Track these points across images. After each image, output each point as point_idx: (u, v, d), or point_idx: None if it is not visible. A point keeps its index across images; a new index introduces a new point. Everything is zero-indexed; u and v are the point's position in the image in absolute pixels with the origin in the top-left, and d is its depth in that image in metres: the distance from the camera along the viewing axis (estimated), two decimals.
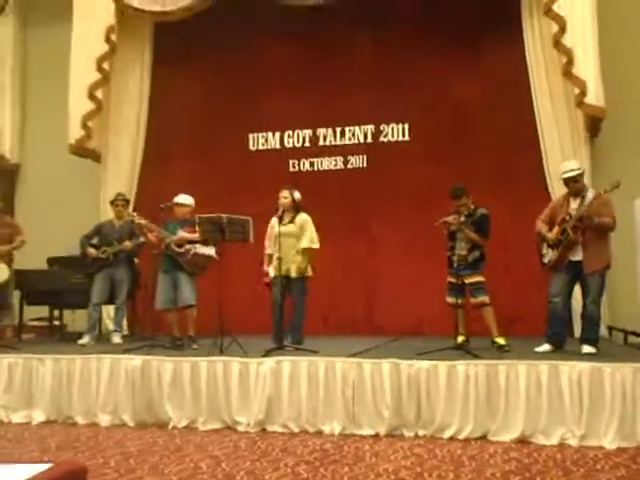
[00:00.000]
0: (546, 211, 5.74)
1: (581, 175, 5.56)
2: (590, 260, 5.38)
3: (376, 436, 4.94)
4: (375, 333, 7.33)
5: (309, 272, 6.08)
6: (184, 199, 6.49)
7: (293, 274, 6.00)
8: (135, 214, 6.48)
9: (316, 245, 6.02)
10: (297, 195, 6.13)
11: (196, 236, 6.26)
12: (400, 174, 7.89)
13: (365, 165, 8.04)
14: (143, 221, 6.39)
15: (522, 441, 4.73)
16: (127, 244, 6.72)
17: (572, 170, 5.55)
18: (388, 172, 7.94)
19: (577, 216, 5.37)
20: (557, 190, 6.76)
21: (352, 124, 8.08)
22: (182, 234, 6.31)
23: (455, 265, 5.75)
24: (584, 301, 5.54)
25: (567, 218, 5.44)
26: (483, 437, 4.83)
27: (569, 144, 7.16)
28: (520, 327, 6.88)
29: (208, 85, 8.44)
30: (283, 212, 6.08)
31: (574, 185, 5.54)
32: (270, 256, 6.17)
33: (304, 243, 5.98)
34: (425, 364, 5.00)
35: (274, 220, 6.19)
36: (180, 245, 6.29)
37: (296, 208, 6.09)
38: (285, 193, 6.13)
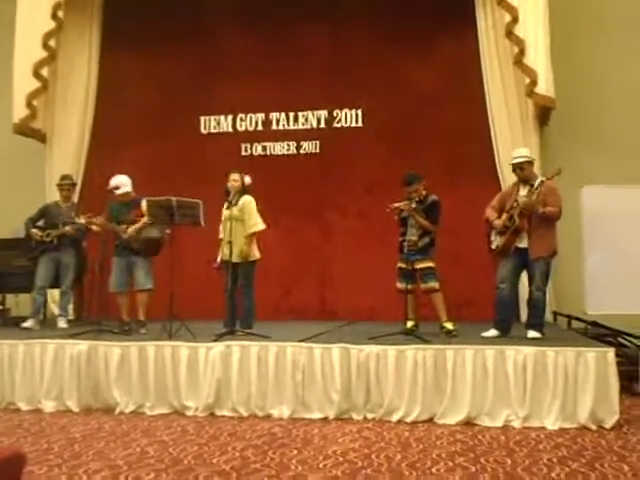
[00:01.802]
0: (496, 198, 5.82)
1: (529, 163, 5.64)
2: (536, 247, 5.46)
3: (325, 419, 4.98)
4: (328, 318, 7.42)
5: (254, 256, 6.06)
6: (118, 182, 6.33)
7: (235, 258, 5.95)
8: (86, 216, 6.26)
9: (258, 227, 5.96)
10: (247, 179, 6.09)
11: (144, 221, 6.17)
12: (353, 160, 7.93)
13: (318, 150, 8.05)
14: (95, 227, 6.26)
15: (468, 423, 4.81)
16: (67, 229, 6.59)
17: (520, 157, 5.63)
18: (341, 158, 7.97)
19: (523, 204, 5.43)
20: (508, 179, 6.83)
21: (305, 109, 8.07)
22: (131, 229, 6.20)
23: (405, 251, 5.78)
24: (530, 287, 5.61)
25: (514, 205, 5.51)
26: (430, 420, 4.89)
27: (519, 133, 7.28)
28: (469, 312, 7.04)
29: (160, 66, 8.30)
30: (233, 195, 6.04)
31: (521, 172, 5.62)
32: (221, 240, 6.16)
33: (248, 228, 5.94)
34: (375, 349, 5.04)
35: (226, 204, 6.19)
36: (131, 235, 6.20)
37: (242, 192, 6.04)
38: (235, 176, 6.08)
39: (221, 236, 6.11)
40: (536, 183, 5.53)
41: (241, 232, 5.99)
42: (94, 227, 6.30)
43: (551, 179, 5.52)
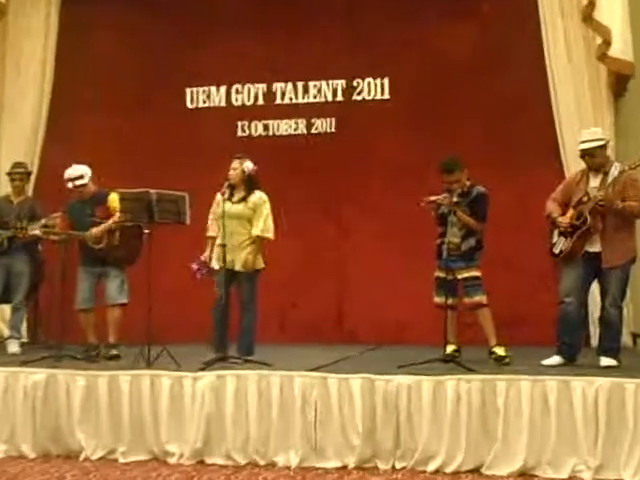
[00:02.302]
0: (559, 189, 5.80)
1: (602, 147, 5.60)
2: (610, 252, 5.42)
3: (343, 469, 4.93)
4: (345, 341, 7.41)
5: (260, 265, 6.04)
6: (77, 172, 6.30)
7: (239, 267, 5.94)
8: (42, 225, 6.26)
9: (270, 235, 6.00)
10: (249, 166, 6.01)
11: (113, 220, 6.15)
12: (377, 142, 7.82)
13: (333, 130, 7.98)
14: (55, 236, 6.26)
15: (524, 474, 4.74)
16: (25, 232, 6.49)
17: (589, 141, 5.58)
18: (362, 139, 7.85)
19: (599, 198, 5.39)
20: (572, 164, 6.78)
21: (318, 78, 8.02)
22: (96, 231, 6.19)
23: (445, 256, 5.75)
24: (603, 302, 5.58)
25: (584, 199, 5.47)
26: (476, 470, 4.83)
27: (588, 107, 7.19)
28: (524, 334, 6.90)
29: (136, 25, 8.21)
30: (232, 188, 6.03)
31: (592, 160, 5.59)
32: (212, 240, 6.11)
33: (256, 230, 5.94)
34: (406, 380, 5.02)
35: (220, 196, 6.08)
36: (98, 241, 6.22)
37: (249, 184, 6.03)
38: (234, 163, 6.06)
39: (210, 234, 6.06)
40: (612, 171, 5.49)
41: (244, 234, 5.97)
42: (52, 237, 6.32)
43: (634, 168, 5.46)
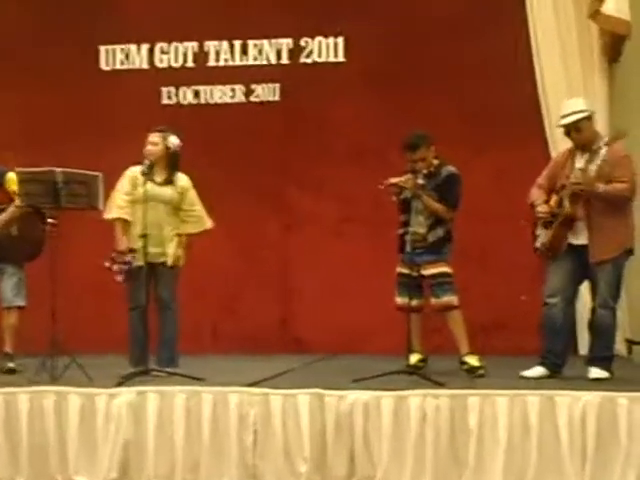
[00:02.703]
0: (544, 173, 5.88)
1: (587, 120, 5.64)
2: (598, 244, 5.49)
3: None
4: (290, 350, 7.47)
5: (182, 260, 6.18)
6: None
7: (163, 261, 5.97)
8: None
9: (208, 224, 6.15)
10: (174, 141, 6.04)
11: (14, 206, 6.09)
12: (330, 113, 7.87)
13: (277, 98, 8.00)
14: None
15: None
16: None
17: (572, 114, 5.62)
18: (312, 109, 7.92)
19: (573, 180, 5.51)
20: (560, 141, 6.67)
21: (259, 36, 8.02)
22: None
23: (409, 249, 5.80)
24: (593, 304, 5.71)
25: (566, 183, 5.57)
26: None
27: (577, 73, 7.25)
28: (502, 340, 7.09)
29: None
30: (151, 166, 5.99)
31: (578, 135, 5.64)
32: (127, 226, 6.06)
33: (196, 225, 6.11)
34: (362, 395, 5.03)
35: (133, 171, 6.09)
36: None
37: (173, 163, 6.10)
38: (155, 137, 6.07)
39: (123, 216, 6.00)
40: (605, 149, 5.52)
41: (170, 223, 6.03)
42: None
43: (611, 144, 5.55)
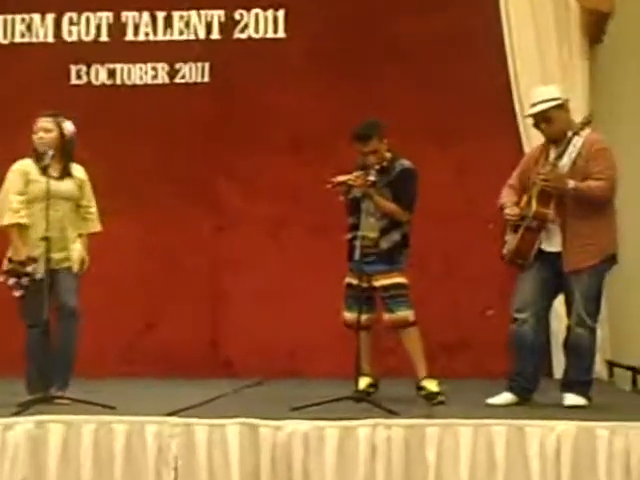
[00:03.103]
0: (516, 172, 6.02)
1: (559, 108, 5.75)
2: (573, 250, 5.59)
3: None
4: (219, 374, 7.53)
5: (87, 264, 6.19)
6: None
7: (65, 266, 5.96)
8: None
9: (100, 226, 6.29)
10: (69, 127, 6.09)
11: None
12: (268, 97, 7.92)
13: (207, 79, 8.06)
14: None
15: None
16: None
17: (542, 102, 5.75)
18: (247, 93, 7.96)
19: (542, 177, 5.63)
20: (535, 135, 6.58)
21: (185, 7, 8.09)
22: None
23: (358, 256, 5.81)
24: (568, 320, 5.79)
25: (536, 180, 5.70)
26: None
27: (553, 55, 7.44)
28: (465, 362, 7.29)
29: None
30: (42, 157, 5.94)
31: (549, 128, 5.76)
32: (23, 231, 5.92)
33: (95, 223, 6.14)
34: (302, 426, 5.03)
35: (23, 165, 6.01)
36: None
37: (67, 152, 6.12)
38: (47, 123, 6.04)
39: (21, 221, 5.87)
40: (575, 141, 5.62)
41: (72, 222, 6.02)
42: None
43: (581, 131, 5.63)
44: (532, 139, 7.04)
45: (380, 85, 7.75)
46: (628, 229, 6.06)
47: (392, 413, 5.22)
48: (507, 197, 5.90)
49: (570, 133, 5.66)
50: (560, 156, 5.65)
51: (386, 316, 6.02)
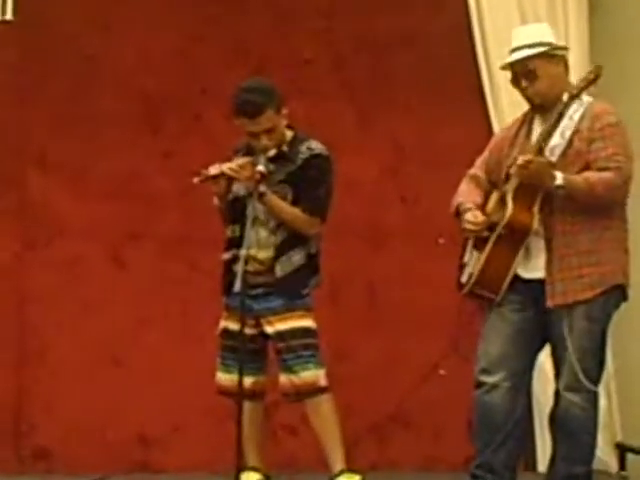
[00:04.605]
0: (482, 157, 5.71)
1: (549, 58, 5.44)
2: (563, 276, 5.25)
3: None
4: (31, 469, 7.31)
5: None
6: None
7: None
8: None
9: None
10: None
11: None
12: (98, 41, 7.62)
13: (10, 16, 7.42)
14: None
15: None
16: None
17: (525, 47, 5.41)
18: (65, 36, 7.60)
19: (520, 165, 5.24)
20: (508, 108, 6.76)
21: None
22: None
23: (239, 287, 5.43)
24: (556, 383, 5.41)
25: (510, 172, 5.34)
26: None
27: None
28: (402, 446, 6.99)
29: None
30: None
31: (531, 86, 5.37)
32: None
33: None
34: None
35: None
36: None
37: None
38: None
39: None
40: (571, 112, 5.35)
41: None
42: None
43: (582, 91, 5.33)
44: (504, 112, 7.05)
45: (276, 27, 7.67)
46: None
47: None
48: (466, 195, 5.59)
49: (566, 96, 5.30)
50: (549, 133, 5.35)
51: (284, 379, 5.75)
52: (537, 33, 5.66)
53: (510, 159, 5.49)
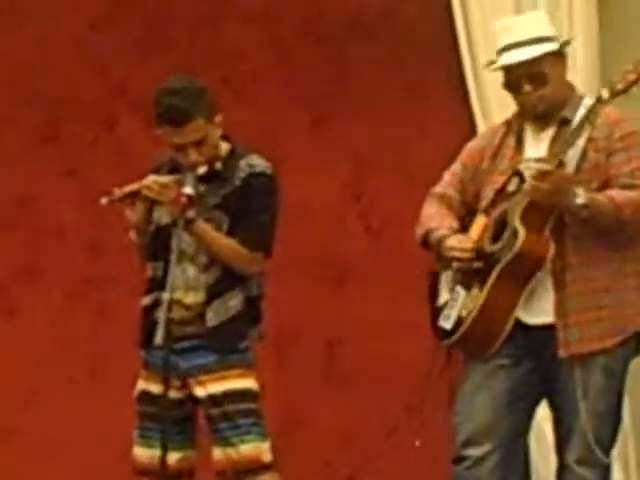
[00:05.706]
0: (453, 169, 5.45)
1: (557, 57, 5.25)
2: (577, 321, 5.01)
3: None
4: None
5: None
6: None
7: None
8: None
9: None
10: None
11: None
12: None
13: None
14: None
15: None
16: None
17: (527, 43, 5.21)
18: None
19: (533, 180, 5.00)
20: (494, 104, 6.79)
21: None
22: None
23: (161, 339, 5.29)
24: (561, 456, 5.14)
25: (509, 188, 5.17)
26: None
27: None
28: None
29: None
30: None
31: (536, 91, 5.15)
32: None
33: None
34: None
35: None
36: None
37: None
38: None
39: None
40: (576, 115, 5.13)
41: None
42: None
43: (619, 94, 5.04)
44: (490, 110, 7.31)
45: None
46: None
47: None
48: (438, 220, 5.46)
49: (589, 100, 5.17)
50: (570, 143, 5.21)
51: (219, 454, 5.55)
52: (539, 25, 5.58)
53: (495, 175, 5.46)
